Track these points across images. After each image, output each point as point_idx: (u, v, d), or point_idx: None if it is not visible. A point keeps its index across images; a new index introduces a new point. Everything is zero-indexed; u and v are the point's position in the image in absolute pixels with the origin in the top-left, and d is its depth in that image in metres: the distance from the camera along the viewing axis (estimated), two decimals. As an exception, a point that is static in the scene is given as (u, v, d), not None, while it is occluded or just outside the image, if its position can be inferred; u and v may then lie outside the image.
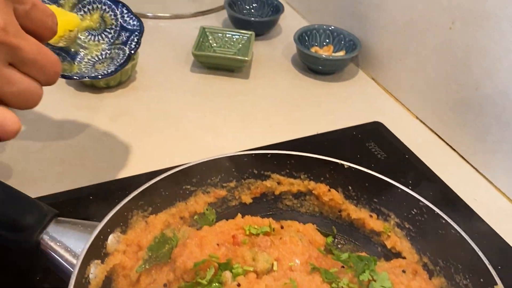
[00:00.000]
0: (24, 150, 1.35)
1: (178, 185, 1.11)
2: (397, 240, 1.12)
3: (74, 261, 0.91)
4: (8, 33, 0.55)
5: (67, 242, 0.96)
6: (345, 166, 1.15)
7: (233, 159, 1.16)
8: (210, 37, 1.78)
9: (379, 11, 1.70)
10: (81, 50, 1.18)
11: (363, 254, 1.01)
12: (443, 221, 1.05)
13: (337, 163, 1.16)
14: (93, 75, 1.13)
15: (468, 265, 1.00)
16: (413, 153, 1.47)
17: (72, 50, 1.16)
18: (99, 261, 0.95)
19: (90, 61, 1.17)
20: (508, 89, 1.32)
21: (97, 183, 1.28)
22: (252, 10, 2.00)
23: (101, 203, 1.20)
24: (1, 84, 0.57)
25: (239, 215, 1.14)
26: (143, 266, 0.99)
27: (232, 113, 1.58)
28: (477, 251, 0.99)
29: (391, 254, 1.12)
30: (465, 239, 1.01)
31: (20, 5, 0.58)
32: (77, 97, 1.55)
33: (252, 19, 1.89)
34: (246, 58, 1.65)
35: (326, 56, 1.71)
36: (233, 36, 1.79)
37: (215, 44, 1.78)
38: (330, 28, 1.81)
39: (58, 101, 1.52)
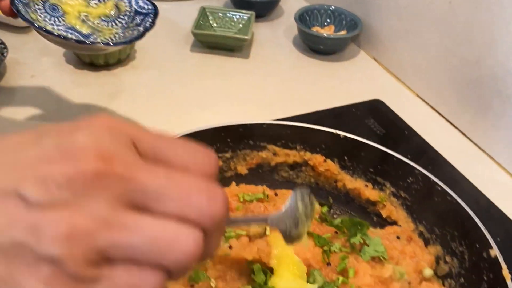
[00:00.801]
0: (21, 127, 1.36)
1: (172, 153, 1.11)
2: (392, 209, 1.11)
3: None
4: (112, 163, 0.40)
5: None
6: (341, 136, 1.14)
7: (228, 129, 1.15)
8: (210, 17, 1.78)
9: (380, -10, 1.69)
10: (94, 32, 1.15)
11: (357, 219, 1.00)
12: (439, 188, 1.03)
13: (332, 133, 1.15)
14: (105, 42, 1.09)
15: (464, 231, 0.99)
16: (413, 129, 1.46)
17: (85, 31, 1.14)
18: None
19: (103, 42, 1.12)
20: (509, 62, 1.30)
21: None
22: (254, -7, 1.99)
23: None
24: (115, 234, 0.41)
25: (233, 183, 1.13)
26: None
27: (232, 91, 1.58)
28: (472, 216, 0.97)
29: (387, 224, 1.11)
30: (461, 205, 1.00)
31: (137, 141, 0.44)
32: (76, 75, 1.55)
33: (253, 0, 1.88)
34: (246, 37, 1.65)
35: (327, 35, 1.70)
36: (234, 16, 1.79)
37: (215, 24, 1.78)
38: (331, 8, 1.80)
39: (57, 79, 1.52)
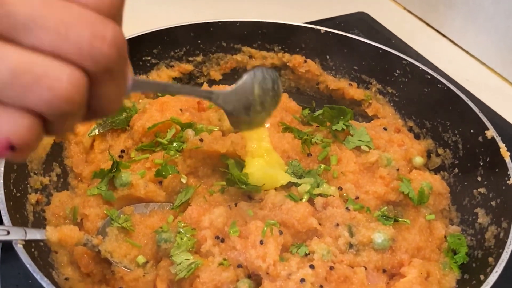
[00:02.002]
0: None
1: (136, 55, 1.01)
2: (379, 107, 1.02)
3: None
4: None
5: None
6: (322, 31, 1.05)
7: (198, 28, 1.04)
8: None
9: None
10: None
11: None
12: (429, 77, 0.95)
13: (313, 29, 1.05)
14: None
15: (457, 119, 0.91)
16: (400, 39, 1.37)
17: None
18: (45, 124, 0.86)
19: None
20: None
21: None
22: None
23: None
24: None
25: (205, 84, 1.04)
26: (96, 130, 0.89)
27: (200, 7, 1.46)
28: (466, 100, 0.89)
29: (374, 124, 1.03)
30: (454, 91, 0.91)
31: None
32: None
33: None
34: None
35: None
36: None
37: None
38: None
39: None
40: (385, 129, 0.92)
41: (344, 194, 0.79)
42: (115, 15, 0.37)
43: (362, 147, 0.85)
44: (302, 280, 0.65)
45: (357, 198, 0.78)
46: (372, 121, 0.98)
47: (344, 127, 0.86)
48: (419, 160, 0.86)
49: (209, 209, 0.76)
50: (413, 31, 1.43)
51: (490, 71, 1.29)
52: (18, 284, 0.78)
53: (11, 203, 0.70)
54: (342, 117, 0.87)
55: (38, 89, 0.33)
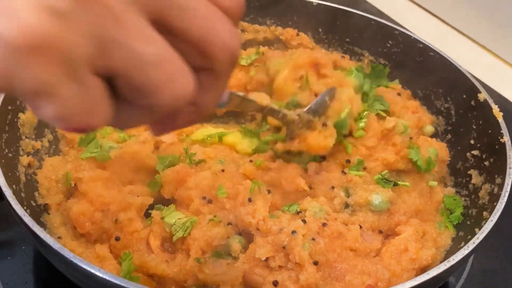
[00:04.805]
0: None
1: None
2: (372, 78, 1.02)
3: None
4: None
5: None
6: (314, 4, 1.04)
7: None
8: None
9: None
10: None
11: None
12: (421, 46, 0.95)
13: (305, 1, 1.05)
14: None
15: (449, 86, 0.92)
16: (388, 16, 1.37)
17: None
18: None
19: None
20: None
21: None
22: None
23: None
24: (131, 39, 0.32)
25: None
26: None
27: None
28: (457, 66, 0.90)
29: (366, 95, 1.03)
30: (446, 58, 0.92)
31: None
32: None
33: None
34: None
35: None
36: None
37: None
38: None
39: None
40: (399, 94, 0.93)
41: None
42: (236, 23, 0.39)
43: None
44: (294, 232, 0.65)
45: (365, 168, 0.79)
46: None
47: None
48: (429, 129, 0.88)
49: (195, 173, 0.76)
50: (401, 9, 1.43)
51: (481, 48, 1.30)
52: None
53: (3, 160, 0.69)
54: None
55: (166, 89, 0.33)
